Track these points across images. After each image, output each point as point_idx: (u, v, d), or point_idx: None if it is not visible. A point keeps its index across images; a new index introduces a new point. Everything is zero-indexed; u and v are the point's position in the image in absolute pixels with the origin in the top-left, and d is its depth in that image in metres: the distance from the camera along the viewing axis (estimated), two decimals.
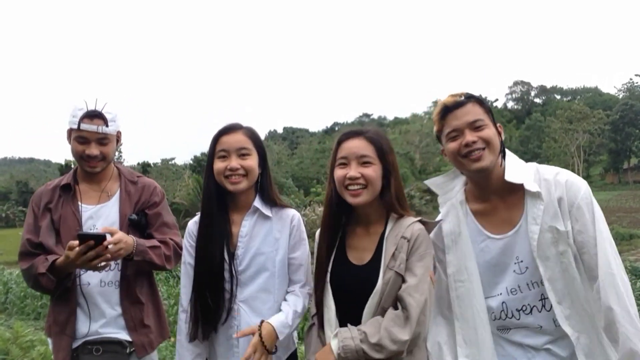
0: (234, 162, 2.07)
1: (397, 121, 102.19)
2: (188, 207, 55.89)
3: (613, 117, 68.06)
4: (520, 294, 1.83)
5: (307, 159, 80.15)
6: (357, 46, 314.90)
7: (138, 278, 2.37)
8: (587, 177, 62.82)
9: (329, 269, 1.93)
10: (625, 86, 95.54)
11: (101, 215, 2.35)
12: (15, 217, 65.88)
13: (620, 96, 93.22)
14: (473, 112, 1.84)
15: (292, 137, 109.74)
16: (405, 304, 1.74)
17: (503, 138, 1.91)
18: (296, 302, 2.10)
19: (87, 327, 2.27)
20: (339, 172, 1.90)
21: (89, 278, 2.28)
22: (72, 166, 2.49)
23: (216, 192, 2.13)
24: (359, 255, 1.92)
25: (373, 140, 1.90)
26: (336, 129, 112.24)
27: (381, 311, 1.80)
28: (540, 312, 1.81)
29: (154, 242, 2.33)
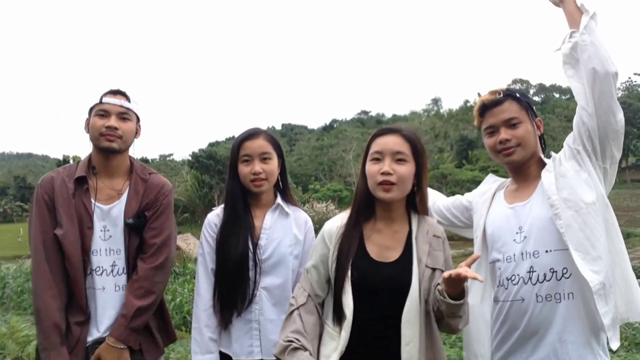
0: (257, 166, 2.26)
1: (396, 119, 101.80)
2: (186, 203, 55.91)
3: None
4: (514, 263, 1.92)
5: (306, 155, 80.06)
6: (356, 43, 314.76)
7: None
8: None
9: (347, 264, 1.89)
10: (624, 85, 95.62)
11: (110, 216, 2.31)
12: (12, 212, 65.66)
13: (619, 95, 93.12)
14: (509, 110, 1.96)
15: (291, 133, 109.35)
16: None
17: (542, 131, 2.06)
18: None
19: (93, 334, 2.25)
20: (371, 168, 1.89)
21: (104, 282, 2.26)
22: (71, 161, 2.44)
23: (240, 191, 2.32)
24: (381, 252, 1.91)
25: (409, 138, 1.90)
26: (335, 126, 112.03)
27: (427, 316, 1.82)
28: (526, 283, 1.88)
29: (123, 311, 2.22)
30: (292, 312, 1.93)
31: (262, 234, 2.30)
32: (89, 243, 2.25)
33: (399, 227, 1.94)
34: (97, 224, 2.28)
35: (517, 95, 1.99)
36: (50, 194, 2.26)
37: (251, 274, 2.23)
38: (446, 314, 1.73)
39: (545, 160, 2.02)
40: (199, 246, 2.39)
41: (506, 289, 1.94)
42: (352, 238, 1.92)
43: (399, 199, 1.90)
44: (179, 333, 6.79)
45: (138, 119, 2.41)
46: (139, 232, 2.33)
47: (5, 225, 57.33)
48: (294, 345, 1.82)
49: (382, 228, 1.94)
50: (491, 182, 2.25)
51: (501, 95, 1.97)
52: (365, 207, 1.96)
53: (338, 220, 2.02)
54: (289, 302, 2.00)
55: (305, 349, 1.82)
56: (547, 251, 1.86)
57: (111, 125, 2.26)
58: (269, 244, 2.29)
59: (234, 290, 2.23)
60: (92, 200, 2.28)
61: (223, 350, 2.27)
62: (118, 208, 2.31)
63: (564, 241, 1.81)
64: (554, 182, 1.89)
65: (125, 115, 2.32)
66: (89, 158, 2.38)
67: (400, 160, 1.87)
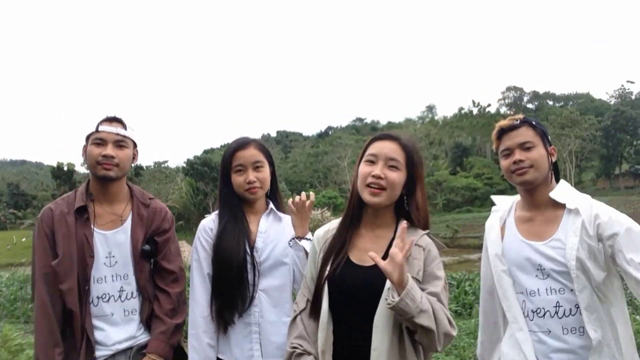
0: (251, 175, 2.31)
1: (391, 126, 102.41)
2: (181, 211, 55.84)
3: (605, 123, 68.48)
4: (538, 297, 2.03)
5: (301, 162, 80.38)
6: (351, 50, 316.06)
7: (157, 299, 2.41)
8: (578, 183, 63.31)
9: (328, 267, 1.94)
10: (617, 92, 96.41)
11: (115, 242, 2.33)
12: (6, 220, 65.33)
13: (612, 102, 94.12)
14: (524, 135, 2.09)
15: (286, 140, 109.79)
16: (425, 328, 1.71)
17: (555, 159, 2.15)
18: None
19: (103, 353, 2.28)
20: (364, 169, 1.92)
21: (112, 309, 2.29)
22: (65, 168, 2.45)
23: (236, 199, 2.36)
24: (362, 256, 1.91)
25: (406, 147, 1.93)
26: (330, 133, 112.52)
27: (397, 321, 1.76)
28: (552, 317, 1.99)
29: (161, 329, 2.32)
30: (295, 318, 1.99)
31: (258, 237, 2.34)
32: (90, 271, 2.26)
33: (382, 233, 1.95)
34: (101, 251, 2.30)
35: (533, 122, 2.13)
36: (51, 226, 2.28)
37: (249, 276, 2.25)
38: (406, 323, 1.71)
39: (558, 197, 2.06)
40: (193, 252, 2.38)
41: (531, 320, 2.04)
42: (337, 241, 1.98)
43: (385, 204, 1.91)
44: None
45: (135, 145, 2.44)
46: (149, 257, 2.38)
47: None
48: (298, 351, 1.90)
49: (364, 233, 1.98)
50: (497, 208, 2.30)
51: (518, 122, 2.11)
52: (358, 210, 1.99)
53: (327, 226, 2.09)
54: (293, 308, 2.06)
55: (309, 353, 1.89)
56: (571, 290, 1.97)
57: (107, 154, 2.28)
58: (266, 246, 2.32)
59: (234, 292, 2.24)
60: (93, 227, 2.30)
61: (221, 357, 2.27)
62: (123, 233, 2.35)
63: (577, 302, 1.95)
64: (576, 247, 1.96)
65: (121, 143, 2.34)
66: (87, 186, 2.39)
67: (392, 167, 1.89)
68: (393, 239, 1.89)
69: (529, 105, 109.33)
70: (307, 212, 2.24)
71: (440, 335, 1.71)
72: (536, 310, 2.02)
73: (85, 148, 2.36)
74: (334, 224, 2.07)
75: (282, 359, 2.13)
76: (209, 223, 2.38)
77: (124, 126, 2.36)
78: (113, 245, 2.32)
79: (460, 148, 74.39)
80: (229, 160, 2.35)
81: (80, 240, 2.26)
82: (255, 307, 2.25)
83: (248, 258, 2.27)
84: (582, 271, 1.93)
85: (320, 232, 2.10)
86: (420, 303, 1.67)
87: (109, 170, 2.29)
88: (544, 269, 2.01)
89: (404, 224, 1.75)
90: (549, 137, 2.15)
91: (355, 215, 1.99)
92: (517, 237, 2.12)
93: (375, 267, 1.80)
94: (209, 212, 2.49)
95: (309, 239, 2.19)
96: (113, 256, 2.31)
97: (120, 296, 2.30)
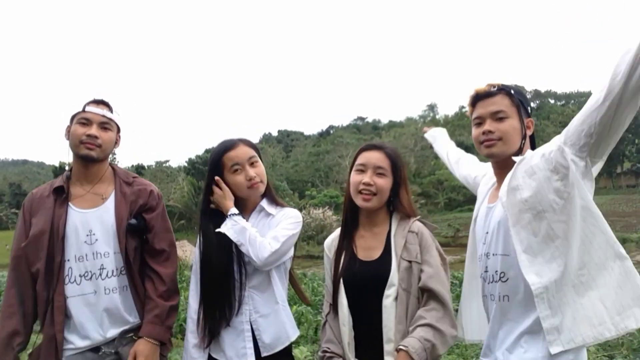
0: (251, 171, 2.29)
1: (392, 125, 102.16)
2: (182, 210, 55.83)
3: None
4: (485, 261, 2.01)
5: (302, 162, 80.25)
6: (353, 49, 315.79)
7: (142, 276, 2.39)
8: None
9: (340, 269, 2.17)
10: None
11: (96, 220, 2.33)
12: (7, 220, 65.38)
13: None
14: (498, 103, 1.95)
15: (287, 140, 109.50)
16: (434, 292, 1.96)
17: (531, 132, 2.01)
18: None
19: (75, 341, 2.28)
20: (355, 177, 2.15)
21: (95, 286, 2.28)
22: (66, 168, 2.47)
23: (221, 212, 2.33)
24: (367, 253, 2.15)
25: (390, 155, 2.16)
26: (331, 132, 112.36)
27: (401, 301, 2.00)
28: (493, 281, 1.96)
29: (155, 312, 2.29)
30: (324, 323, 2.23)
31: None
32: (65, 250, 2.26)
33: (379, 229, 2.18)
34: (81, 230, 2.30)
35: (512, 91, 1.98)
36: (30, 210, 2.33)
37: (237, 275, 2.26)
38: None
39: (515, 158, 1.97)
40: (194, 254, 2.42)
41: (481, 284, 2.07)
42: (342, 244, 2.23)
43: (376, 207, 2.14)
44: (175, 341, 6.75)
45: (119, 130, 2.45)
46: (138, 233, 2.36)
47: (0, 232, 57.00)
48: (327, 354, 2.11)
49: (365, 233, 2.21)
50: (491, 174, 2.21)
51: (495, 89, 1.97)
52: (352, 216, 2.23)
53: (334, 234, 2.34)
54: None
55: (337, 355, 2.10)
56: (494, 254, 1.95)
57: (92, 134, 2.29)
58: None
59: (221, 302, 2.26)
60: (72, 208, 2.32)
61: (216, 357, 2.29)
62: (105, 211, 2.34)
63: (511, 244, 1.84)
64: (506, 183, 1.88)
65: (106, 125, 2.35)
66: (70, 169, 2.42)
67: (380, 174, 2.12)
68: (389, 231, 2.15)
69: (531, 104, 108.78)
70: (226, 190, 2.29)
71: (449, 342, 1.96)
72: (482, 275, 2.03)
73: (68, 128, 2.36)
74: (338, 231, 2.31)
75: (278, 350, 2.27)
76: None
77: (110, 109, 2.38)
78: (94, 224, 2.32)
79: (461, 147, 71.58)
80: (220, 162, 2.31)
81: (57, 221, 2.27)
82: (246, 305, 2.26)
83: (235, 258, 2.26)
84: (520, 206, 1.80)
85: (328, 240, 2.35)
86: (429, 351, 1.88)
87: (91, 150, 2.30)
88: (487, 233, 2.00)
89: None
90: (529, 108, 2.03)
91: (351, 219, 2.23)
92: (485, 203, 2.11)
93: (380, 259, 2.10)
94: None
95: (234, 213, 2.26)
96: (94, 234, 2.30)
97: (101, 274, 2.29)
